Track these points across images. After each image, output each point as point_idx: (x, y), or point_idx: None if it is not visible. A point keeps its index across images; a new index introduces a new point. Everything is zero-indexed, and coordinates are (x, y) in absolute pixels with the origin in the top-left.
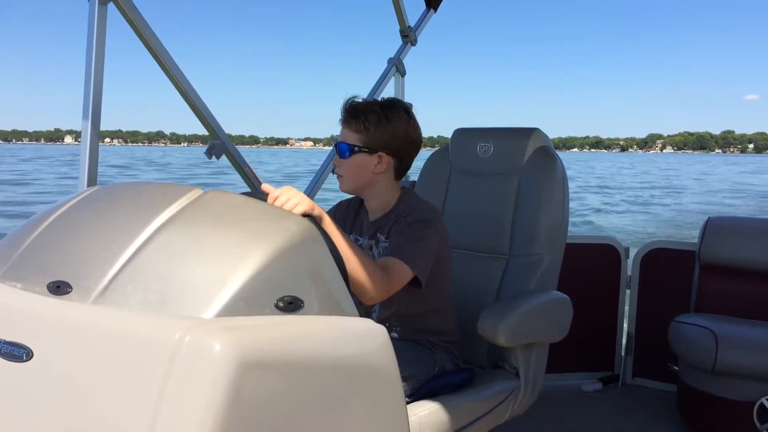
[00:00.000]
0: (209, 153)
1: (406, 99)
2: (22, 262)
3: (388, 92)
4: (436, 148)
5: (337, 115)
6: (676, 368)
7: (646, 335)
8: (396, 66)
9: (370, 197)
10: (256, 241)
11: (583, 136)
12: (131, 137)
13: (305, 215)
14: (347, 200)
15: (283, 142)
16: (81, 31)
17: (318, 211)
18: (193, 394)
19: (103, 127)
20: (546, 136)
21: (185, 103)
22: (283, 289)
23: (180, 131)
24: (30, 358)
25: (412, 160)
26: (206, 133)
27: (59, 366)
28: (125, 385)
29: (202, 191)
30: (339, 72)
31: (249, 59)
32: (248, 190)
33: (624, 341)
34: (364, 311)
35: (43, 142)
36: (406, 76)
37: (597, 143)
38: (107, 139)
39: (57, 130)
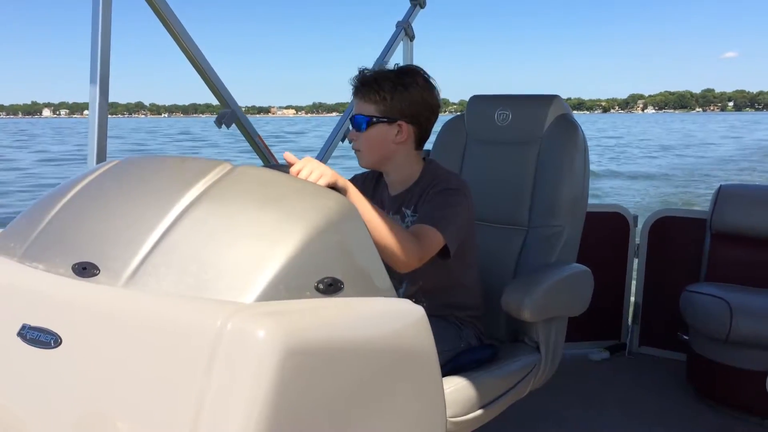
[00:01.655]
0: (219, 122)
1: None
2: (42, 242)
3: (396, 58)
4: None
5: (318, 80)
6: (686, 337)
7: (653, 304)
8: (405, 30)
9: (392, 170)
10: (294, 220)
11: (566, 97)
12: (110, 109)
13: (329, 187)
14: (363, 174)
15: (265, 110)
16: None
17: (342, 182)
18: (238, 382)
19: (78, 99)
20: (566, 104)
21: (196, 72)
22: (323, 271)
23: (159, 102)
24: (58, 345)
25: (432, 127)
26: (186, 103)
27: (91, 353)
28: (164, 374)
29: (231, 166)
30: (321, 34)
31: (221, 22)
32: (259, 160)
33: (631, 310)
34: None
35: (20, 115)
36: (415, 41)
37: (579, 105)
38: (86, 111)
39: (34, 103)
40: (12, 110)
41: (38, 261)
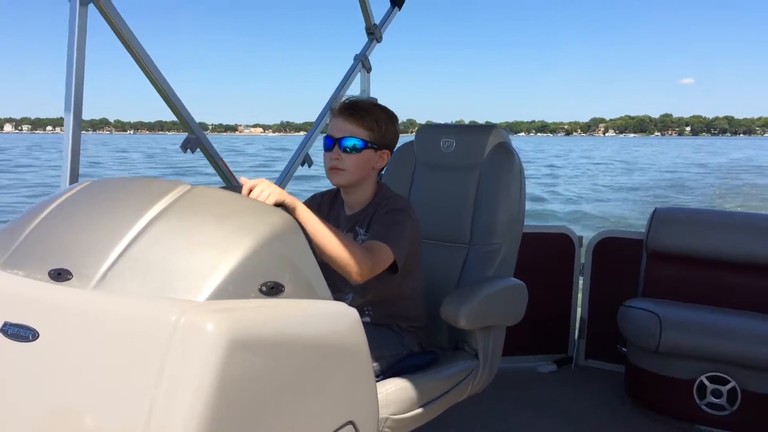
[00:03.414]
0: (184, 147)
1: (372, 94)
2: (22, 251)
3: (354, 89)
4: None
5: (286, 99)
6: (625, 350)
7: (597, 319)
8: (362, 62)
9: (357, 191)
10: (242, 232)
11: (530, 120)
12: None
13: (278, 205)
14: (322, 193)
15: (232, 128)
16: (20, 17)
17: (290, 200)
18: (188, 370)
19: (45, 115)
20: (505, 133)
21: (162, 99)
22: (266, 275)
23: (124, 118)
24: (36, 339)
25: None
26: (152, 120)
27: (64, 346)
28: (126, 362)
29: (190, 186)
30: (285, 54)
31: (188, 35)
32: (222, 183)
33: (577, 325)
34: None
35: None
36: (371, 72)
37: (543, 127)
38: (49, 127)
39: None
40: None
41: (18, 268)
